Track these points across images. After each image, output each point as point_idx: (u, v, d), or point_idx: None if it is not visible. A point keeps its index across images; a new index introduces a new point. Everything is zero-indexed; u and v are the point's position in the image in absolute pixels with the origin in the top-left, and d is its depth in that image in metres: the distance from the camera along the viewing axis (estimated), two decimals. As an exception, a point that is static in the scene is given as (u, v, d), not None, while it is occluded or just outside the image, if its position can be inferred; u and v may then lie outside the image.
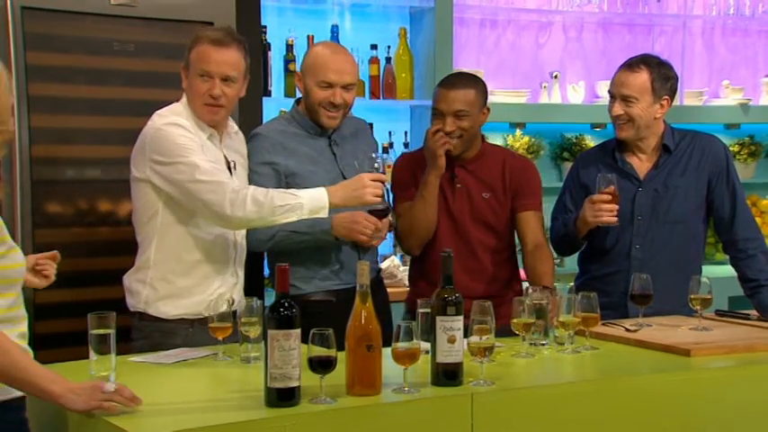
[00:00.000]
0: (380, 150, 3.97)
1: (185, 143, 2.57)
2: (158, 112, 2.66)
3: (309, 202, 2.56)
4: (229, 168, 2.71)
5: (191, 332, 2.63)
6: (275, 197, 2.55)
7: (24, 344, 1.98)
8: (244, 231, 2.78)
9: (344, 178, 2.88)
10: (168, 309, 2.62)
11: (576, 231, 2.99)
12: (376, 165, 2.66)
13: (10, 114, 1.89)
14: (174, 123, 2.59)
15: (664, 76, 3.00)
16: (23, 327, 1.99)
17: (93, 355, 2.12)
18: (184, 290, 2.64)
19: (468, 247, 2.98)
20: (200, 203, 2.56)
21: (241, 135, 2.87)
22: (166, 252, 2.64)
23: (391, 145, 4.24)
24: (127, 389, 1.93)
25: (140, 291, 2.66)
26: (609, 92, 3.06)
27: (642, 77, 2.97)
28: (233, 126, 2.81)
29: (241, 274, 2.79)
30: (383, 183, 2.65)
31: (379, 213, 2.74)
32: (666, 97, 3.01)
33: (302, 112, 2.95)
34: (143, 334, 2.66)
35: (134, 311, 2.68)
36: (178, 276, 2.64)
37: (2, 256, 1.91)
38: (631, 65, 3.01)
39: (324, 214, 2.59)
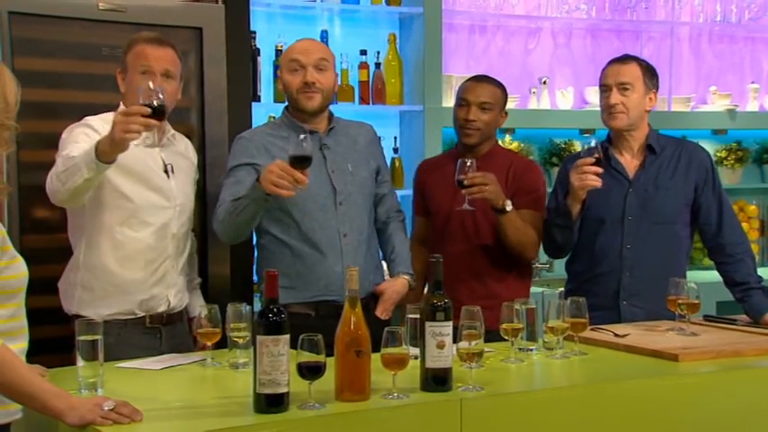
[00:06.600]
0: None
1: (73, 139, 2.59)
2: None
3: (83, 156, 2.43)
4: (166, 171, 2.74)
5: (122, 333, 2.64)
6: (58, 164, 2.53)
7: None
8: (182, 231, 2.76)
9: (332, 182, 2.87)
10: (101, 310, 2.61)
11: (568, 210, 2.97)
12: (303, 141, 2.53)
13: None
14: (82, 123, 2.64)
15: (651, 71, 3.12)
16: (23, 341, 1.98)
17: (80, 362, 2.11)
18: (115, 290, 2.65)
19: (476, 241, 3.04)
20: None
21: (181, 138, 2.86)
22: (95, 254, 2.65)
23: (380, 150, 4.24)
24: (127, 405, 1.89)
25: (73, 293, 2.68)
26: (602, 85, 3.10)
27: (634, 67, 3.08)
28: (169, 129, 2.81)
29: (182, 276, 2.78)
30: (142, 114, 2.36)
31: (298, 161, 2.52)
32: (654, 91, 3.10)
33: (291, 114, 2.93)
34: None
35: (70, 315, 2.67)
36: (108, 277, 2.65)
37: (4, 267, 1.91)
38: (621, 59, 3.12)
39: (104, 161, 2.39)
